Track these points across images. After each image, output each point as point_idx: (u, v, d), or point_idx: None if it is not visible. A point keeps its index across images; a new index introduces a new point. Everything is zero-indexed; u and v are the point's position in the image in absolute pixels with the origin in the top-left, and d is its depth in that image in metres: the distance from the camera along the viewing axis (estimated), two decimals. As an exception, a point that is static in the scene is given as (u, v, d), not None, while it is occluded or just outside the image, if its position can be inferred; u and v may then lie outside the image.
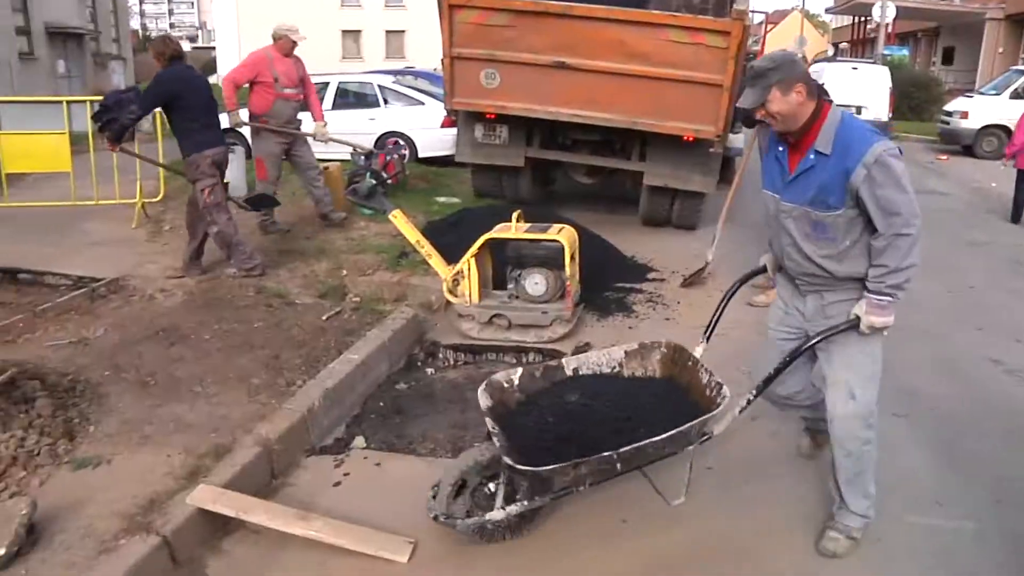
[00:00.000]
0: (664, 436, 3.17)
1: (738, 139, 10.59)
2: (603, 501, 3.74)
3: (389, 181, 9.22)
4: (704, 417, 3.31)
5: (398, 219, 5.86)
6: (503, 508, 3.31)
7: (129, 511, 3.38)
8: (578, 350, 5.63)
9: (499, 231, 5.81)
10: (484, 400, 3.50)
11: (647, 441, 3.15)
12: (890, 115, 18.10)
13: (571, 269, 5.80)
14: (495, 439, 3.27)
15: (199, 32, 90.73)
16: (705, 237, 8.21)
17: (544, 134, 9.22)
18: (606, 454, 3.13)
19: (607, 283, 6.99)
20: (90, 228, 7.87)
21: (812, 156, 3.10)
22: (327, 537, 3.41)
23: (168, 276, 6.56)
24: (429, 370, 5.40)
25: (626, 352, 3.82)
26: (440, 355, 5.57)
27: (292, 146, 8.10)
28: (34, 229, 7.99)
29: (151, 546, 3.17)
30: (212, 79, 51.57)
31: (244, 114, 8.08)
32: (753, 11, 8.16)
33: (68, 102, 8.67)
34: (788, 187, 3.21)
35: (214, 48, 53.77)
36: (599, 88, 7.97)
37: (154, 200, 8.93)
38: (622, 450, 3.13)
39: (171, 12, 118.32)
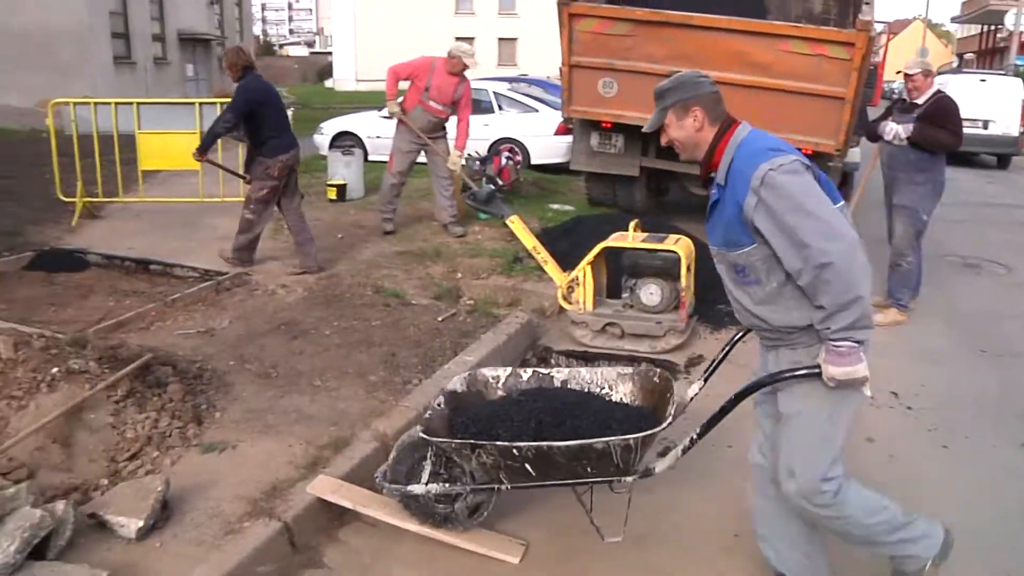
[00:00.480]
0: (564, 444, 2.98)
1: (856, 153, 10.28)
2: (717, 516, 3.70)
3: (504, 187, 9.34)
4: (608, 439, 2.98)
5: (515, 224, 5.93)
6: (425, 484, 3.38)
7: (253, 496, 3.53)
8: (691, 362, 5.60)
9: (616, 240, 5.81)
10: (456, 384, 3.55)
11: (547, 444, 3.01)
12: (1021, 130, 17.24)
13: (687, 280, 5.76)
14: (428, 413, 3.36)
15: (316, 38, 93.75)
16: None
17: (659, 144, 9.14)
18: (505, 444, 3.05)
19: (720, 296, 6.87)
20: (216, 224, 8.24)
21: (715, 190, 2.71)
22: (440, 534, 3.48)
23: (289, 273, 6.82)
24: (541, 375, 5.43)
25: (619, 374, 3.60)
26: (552, 361, 5.60)
27: (428, 152, 8.27)
28: (165, 223, 8.42)
29: (273, 531, 3.31)
30: (328, 83, 53.24)
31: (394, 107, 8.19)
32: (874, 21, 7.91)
33: (200, 103, 9.09)
34: (709, 229, 2.81)
35: (330, 54, 55.64)
36: (717, 99, 7.87)
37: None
38: (524, 445, 3.02)
39: (290, 19, 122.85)
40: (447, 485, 3.38)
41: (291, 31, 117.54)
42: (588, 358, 5.62)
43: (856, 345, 2.48)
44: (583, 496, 3.36)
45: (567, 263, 6.03)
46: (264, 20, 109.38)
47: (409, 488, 3.40)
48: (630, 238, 5.80)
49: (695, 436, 3.01)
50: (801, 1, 9.85)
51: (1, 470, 3.59)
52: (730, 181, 2.61)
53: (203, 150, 6.73)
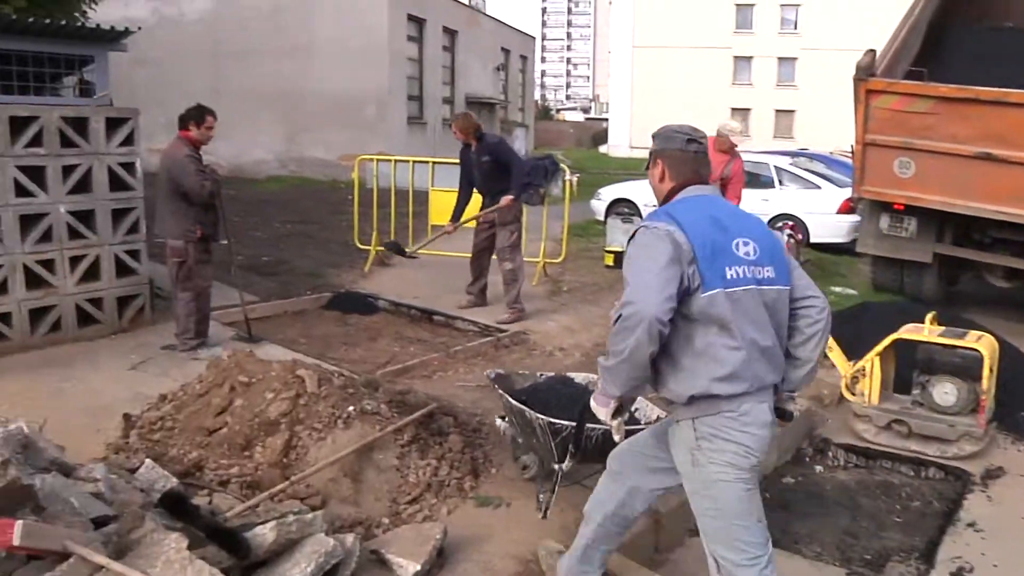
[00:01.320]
0: (515, 405, 3.98)
1: None
2: None
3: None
4: (538, 415, 3.80)
5: (798, 306, 5.72)
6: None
7: (524, 556, 3.62)
8: (989, 474, 5.08)
9: (910, 331, 5.45)
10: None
11: (511, 401, 4.02)
12: None
13: (988, 382, 5.26)
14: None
15: (592, 104, 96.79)
16: None
17: (957, 229, 8.52)
18: (503, 391, 4.15)
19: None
20: (496, 280, 8.66)
21: None
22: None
23: (499, 320, 7.32)
24: (818, 467, 5.18)
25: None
26: (830, 453, 5.32)
27: None
28: (449, 276, 8.98)
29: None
30: (602, 148, 54.52)
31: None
32: None
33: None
34: None
35: (606, 120, 57.11)
36: (1030, 183, 7.24)
37: (555, 261, 9.65)
38: (511, 402, 4.04)
39: (568, 84, 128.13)
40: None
41: (568, 97, 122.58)
42: (870, 455, 5.27)
43: (604, 398, 2.76)
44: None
45: (851, 351, 5.72)
46: (543, 85, 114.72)
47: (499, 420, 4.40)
48: (926, 331, 5.41)
49: (573, 450, 3.58)
50: None
51: (299, 495, 3.94)
52: None
53: (517, 196, 7.45)
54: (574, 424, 3.53)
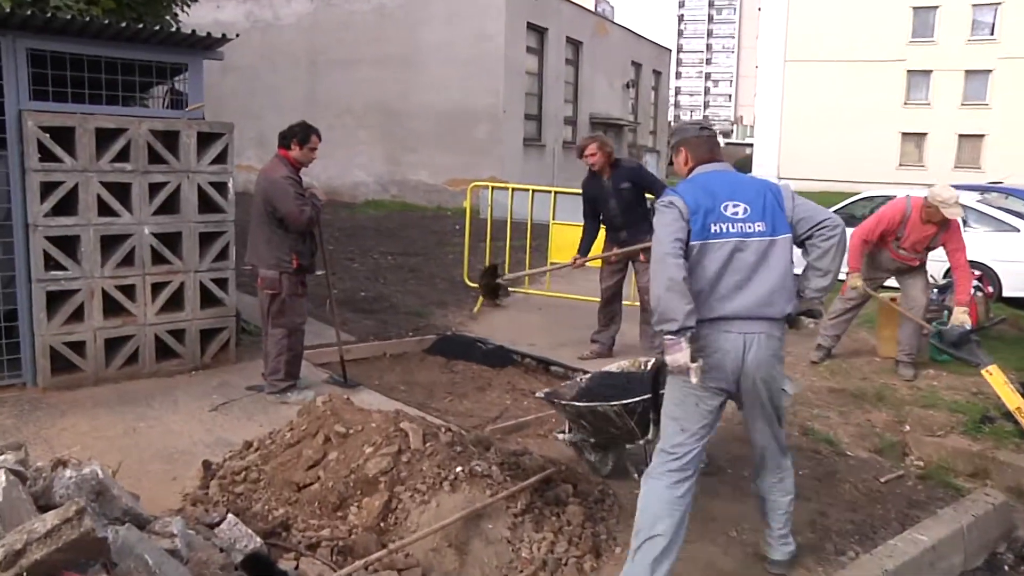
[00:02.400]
0: (582, 404, 5.02)
1: None
2: None
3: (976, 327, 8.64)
4: (607, 404, 4.85)
5: (994, 377, 5.47)
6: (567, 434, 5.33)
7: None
8: None
9: None
10: (613, 366, 5.69)
11: (574, 403, 5.07)
12: None
13: None
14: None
15: (734, 127, 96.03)
16: None
17: None
18: (557, 400, 5.19)
19: None
20: (623, 329, 8.56)
21: None
22: None
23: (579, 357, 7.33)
24: (1021, 579, 4.86)
25: None
26: (1037, 561, 4.98)
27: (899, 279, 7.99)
28: (570, 321, 8.93)
29: None
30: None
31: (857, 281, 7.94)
32: None
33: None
34: None
35: (750, 145, 56.44)
36: None
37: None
38: (567, 403, 5.12)
39: (706, 104, 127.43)
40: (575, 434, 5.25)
41: (705, 118, 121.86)
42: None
43: (673, 337, 3.67)
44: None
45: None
46: (677, 105, 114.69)
47: (563, 435, 5.31)
48: None
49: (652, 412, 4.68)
50: None
51: (396, 565, 3.94)
52: None
53: None
54: (647, 396, 4.67)
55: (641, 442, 4.86)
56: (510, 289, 9.18)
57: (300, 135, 6.36)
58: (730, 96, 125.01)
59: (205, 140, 6.87)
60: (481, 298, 9.63)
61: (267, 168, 6.36)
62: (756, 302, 3.88)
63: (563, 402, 5.06)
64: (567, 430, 5.24)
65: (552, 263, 9.81)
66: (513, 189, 10.32)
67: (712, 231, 3.86)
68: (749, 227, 3.89)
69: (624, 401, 4.73)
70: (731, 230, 3.88)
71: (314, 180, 7.03)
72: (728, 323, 3.86)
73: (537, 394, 5.44)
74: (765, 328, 3.91)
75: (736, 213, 3.90)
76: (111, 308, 6.58)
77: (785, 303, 3.94)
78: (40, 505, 3.26)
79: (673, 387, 3.98)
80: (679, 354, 3.63)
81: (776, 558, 4.24)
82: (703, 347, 3.81)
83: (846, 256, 4.74)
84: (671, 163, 4.60)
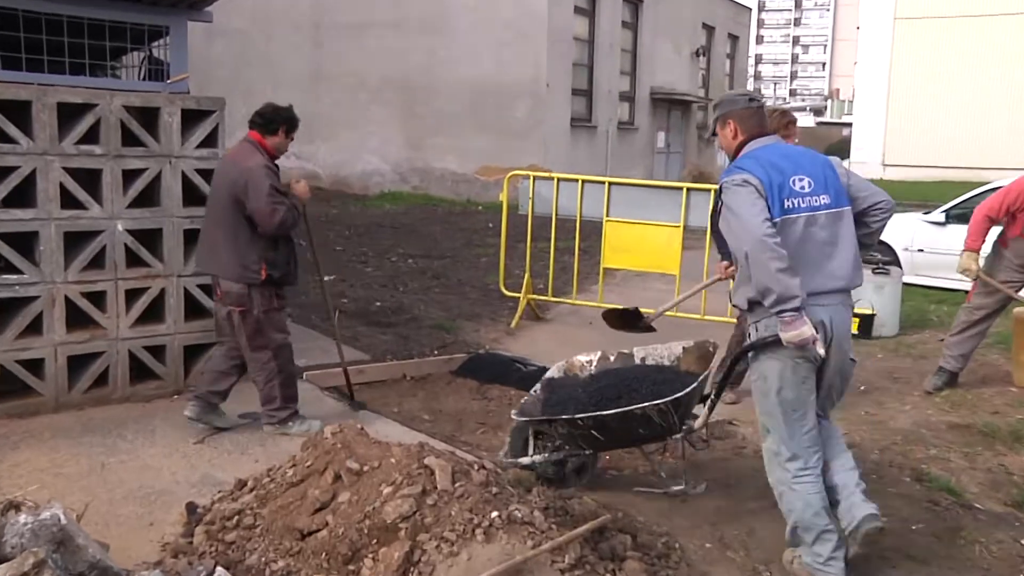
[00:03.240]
0: (609, 412, 5.23)
1: None
2: None
3: None
4: (655, 402, 5.16)
5: None
6: (530, 456, 5.63)
7: None
8: None
9: None
10: (553, 371, 6.04)
11: (599, 413, 5.26)
12: None
13: None
14: (524, 399, 5.93)
15: (827, 103, 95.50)
16: None
17: None
18: (567, 416, 5.34)
19: None
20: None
21: None
22: None
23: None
24: None
25: (684, 348, 5.96)
26: None
27: None
28: (626, 336, 8.86)
29: None
30: (844, 163, 53.52)
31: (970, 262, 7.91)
32: None
33: (687, 188, 9.55)
34: None
35: (847, 125, 55.86)
36: None
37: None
38: (581, 416, 5.28)
39: (794, 75, 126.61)
40: (545, 455, 5.61)
41: (793, 92, 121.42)
42: None
43: (794, 313, 4.27)
44: (652, 456, 5.91)
45: None
46: (758, 76, 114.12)
47: (519, 460, 5.61)
48: None
49: (714, 397, 5.32)
50: None
51: (419, 633, 3.93)
52: None
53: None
54: (695, 386, 5.28)
55: (678, 436, 5.41)
56: (554, 299, 9.14)
57: (288, 121, 6.27)
58: (823, 64, 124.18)
59: (191, 119, 6.92)
60: (520, 310, 9.62)
61: (236, 154, 6.23)
62: (834, 275, 4.58)
63: (578, 417, 5.32)
64: (529, 452, 5.65)
65: (607, 269, 9.79)
66: (559, 179, 10.26)
67: (786, 207, 4.48)
68: (816, 200, 4.56)
69: (676, 395, 5.18)
70: (802, 205, 4.54)
71: (317, 167, 7.02)
72: (814, 297, 4.45)
73: (512, 413, 5.78)
74: (843, 299, 4.67)
75: (803, 187, 4.55)
76: (76, 319, 6.63)
77: (857, 274, 4.66)
78: (-13, 557, 3.28)
79: (776, 373, 4.56)
80: (805, 327, 4.27)
81: (869, 511, 4.62)
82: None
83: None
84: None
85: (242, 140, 6.27)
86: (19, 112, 6.31)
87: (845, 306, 4.68)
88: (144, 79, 7.51)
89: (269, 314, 6.24)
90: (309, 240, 6.57)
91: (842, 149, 52.59)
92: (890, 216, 4.83)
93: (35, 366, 6.50)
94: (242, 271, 6.11)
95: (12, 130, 6.23)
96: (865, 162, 45.57)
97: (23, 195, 6.38)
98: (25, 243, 6.45)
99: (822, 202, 4.56)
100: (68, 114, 6.46)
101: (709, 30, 33.58)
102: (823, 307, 4.52)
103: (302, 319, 9.01)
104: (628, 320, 7.91)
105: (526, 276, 9.90)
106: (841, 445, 4.90)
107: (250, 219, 6.05)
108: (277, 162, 6.30)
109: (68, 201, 6.48)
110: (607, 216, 9.71)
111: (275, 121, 6.22)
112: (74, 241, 6.56)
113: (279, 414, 6.38)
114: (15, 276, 6.36)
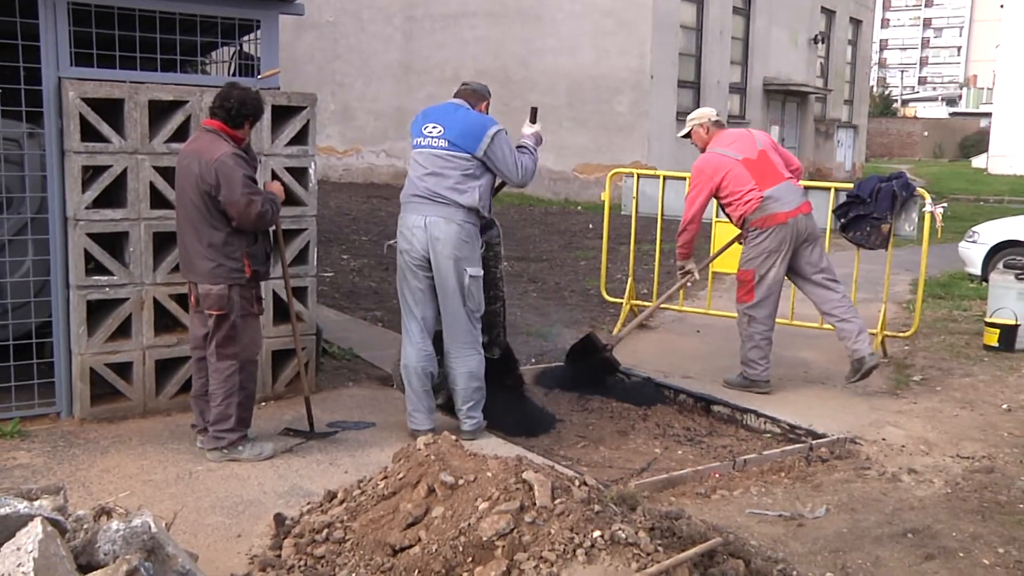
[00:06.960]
0: None
1: None
2: None
3: None
4: None
5: None
6: None
7: None
8: None
9: None
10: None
11: None
12: None
13: None
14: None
15: (962, 92, 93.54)
16: None
17: None
18: None
19: None
20: (809, 359, 8.50)
21: None
22: None
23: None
24: None
25: None
26: None
27: None
28: (734, 348, 8.88)
29: None
30: (978, 161, 52.03)
31: None
32: None
33: (805, 187, 9.46)
34: None
35: (987, 116, 54.56)
36: None
37: (902, 335, 9.44)
38: None
39: (924, 61, 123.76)
40: None
41: (923, 80, 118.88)
42: None
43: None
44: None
45: None
46: (883, 64, 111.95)
47: None
48: None
49: None
50: None
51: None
52: None
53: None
54: None
55: None
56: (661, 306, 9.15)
57: (256, 113, 6.07)
58: (958, 49, 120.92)
59: (281, 115, 7.05)
60: (623, 316, 9.65)
61: (200, 147, 5.93)
62: None
63: None
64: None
65: (716, 274, 9.75)
66: (665, 177, 10.26)
67: None
68: None
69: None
70: None
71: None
72: None
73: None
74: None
75: None
76: (165, 322, 6.82)
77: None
78: (81, 564, 3.38)
79: None
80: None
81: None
82: None
83: None
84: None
85: (201, 130, 6.10)
86: (111, 110, 6.48)
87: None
88: (234, 75, 7.62)
89: (246, 319, 6.10)
90: (279, 245, 6.51)
91: (979, 142, 51.50)
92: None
93: (123, 370, 6.72)
94: (225, 272, 5.94)
95: (105, 129, 6.41)
96: (1006, 155, 44.63)
97: (113, 194, 6.56)
98: (115, 244, 6.65)
99: None
100: (159, 112, 6.63)
101: (829, 14, 33.13)
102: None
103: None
104: (588, 351, 7.96)
105: (629, 281, 9.91)
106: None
107: (224, 214, 5.89)
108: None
109: (158, 201, 6.64)
110: (716, 217, 9.67)
111: (241, 115, 5.97)
112: (163, 242, 6.72)
113: (229, 436, 6.11)
114: (105, 278, 6.56)
